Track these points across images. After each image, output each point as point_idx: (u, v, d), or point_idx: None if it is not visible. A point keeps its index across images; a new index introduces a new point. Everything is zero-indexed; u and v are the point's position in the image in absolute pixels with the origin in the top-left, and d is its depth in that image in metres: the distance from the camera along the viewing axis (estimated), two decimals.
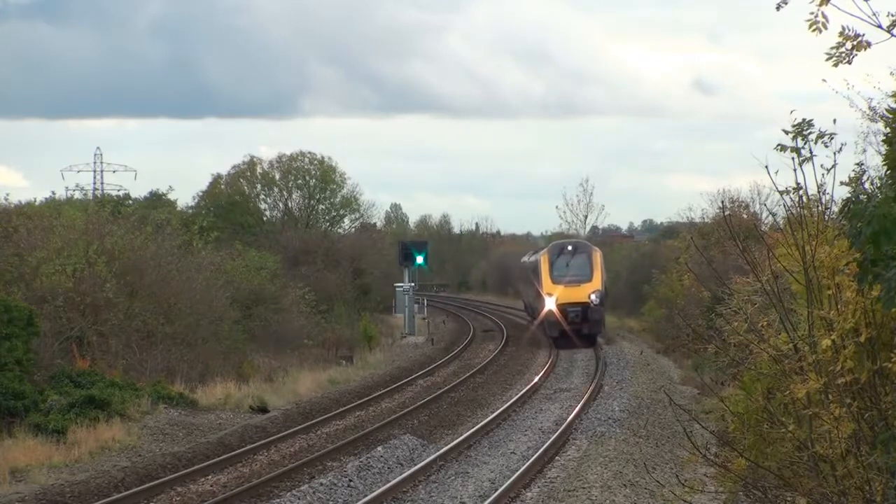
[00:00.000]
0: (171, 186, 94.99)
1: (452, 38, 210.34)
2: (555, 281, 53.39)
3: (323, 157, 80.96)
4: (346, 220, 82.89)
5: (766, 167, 10.95)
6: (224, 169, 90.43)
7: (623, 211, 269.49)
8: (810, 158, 10.90)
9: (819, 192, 11.16)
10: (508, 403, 33.52)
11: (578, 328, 53.07)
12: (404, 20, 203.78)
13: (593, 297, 52.87)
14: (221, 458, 25.27)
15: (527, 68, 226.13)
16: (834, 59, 9.66)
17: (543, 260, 54.77)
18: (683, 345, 39.68)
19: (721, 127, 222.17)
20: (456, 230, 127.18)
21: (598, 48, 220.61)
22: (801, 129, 10.79)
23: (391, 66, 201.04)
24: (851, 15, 9.41)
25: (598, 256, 54.57)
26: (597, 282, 53.37)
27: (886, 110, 11.68)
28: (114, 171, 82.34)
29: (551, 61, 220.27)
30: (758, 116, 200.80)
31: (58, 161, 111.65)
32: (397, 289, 63.12)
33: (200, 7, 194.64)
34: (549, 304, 53.04)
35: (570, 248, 55.16)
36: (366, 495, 20.96)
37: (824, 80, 14.76)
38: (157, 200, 64.28)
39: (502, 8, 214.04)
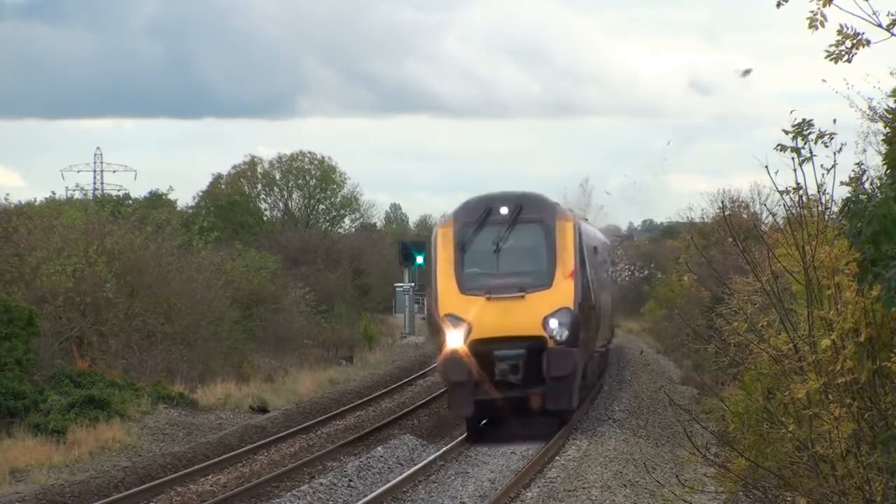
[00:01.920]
0: (171, 186, 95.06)
1: (450, 39, 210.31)
2: (465, 289, 26.13)
3: (323, 157, 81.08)
4: (346, 220, 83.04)
5: (766, 167, 10.97)
6: (223, 169, 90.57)
7: (623, 211, 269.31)
8: (810, 158, 10.90)
9: (819, 192, 11.17)
10: None
11: (520, 396, 25.93)
12: (401, 20, 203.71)
13: (553, 324, 25.75)
14: (221, 458, 25.27)
15: (525, 68, 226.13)
16: (834, 56, 9.67)
17: (441, 238, 26.70)
18: (683, 345, 39.71)
19: (721, 127, 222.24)
20: None
21: (596, 48, 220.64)
22: (801, 129, 10.79)
23: (389, 66, 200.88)
24: (851, 14, 9.42)
25: (569, 231, 26.67)
26: (565, 289, 26.09)
27: (886, 110, 11.69)
28: (114, 171, 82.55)
29: (549, 61, 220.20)
30: (757, 116, 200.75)
31: (57, 161, 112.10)
32: (397, 289, 63.15)
33: (198, 7, 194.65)
34: (452, 341, 25.75)
35: (503, 210, 26.63)
36: (366, 495, 20.95)
37: (824, 81, 14.82)
38: (157, 200, 64.26)
39: (499, 8, 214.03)
